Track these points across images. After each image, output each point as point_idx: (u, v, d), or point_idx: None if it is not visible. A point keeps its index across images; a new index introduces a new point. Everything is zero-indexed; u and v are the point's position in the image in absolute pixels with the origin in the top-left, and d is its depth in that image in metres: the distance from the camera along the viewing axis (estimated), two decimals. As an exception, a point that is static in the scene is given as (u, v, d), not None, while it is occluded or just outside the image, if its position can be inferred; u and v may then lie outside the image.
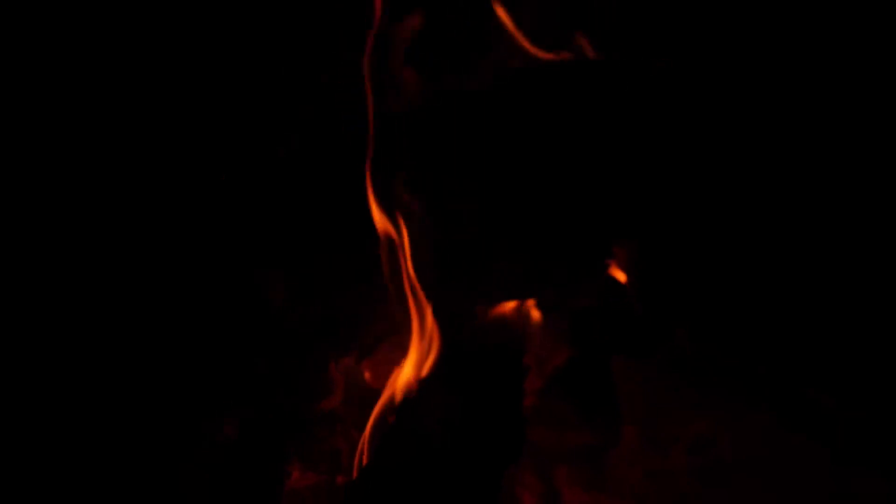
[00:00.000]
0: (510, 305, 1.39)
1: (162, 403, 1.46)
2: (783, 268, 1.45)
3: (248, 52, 1.54)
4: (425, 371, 1.31)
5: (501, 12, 1.40)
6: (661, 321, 1.47)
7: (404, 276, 1.35)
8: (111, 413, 1.44)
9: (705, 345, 1.46)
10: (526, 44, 1.41)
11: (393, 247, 1.36)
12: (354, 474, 1.37)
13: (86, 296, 1.50)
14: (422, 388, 1.28)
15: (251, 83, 1.55)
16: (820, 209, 1.44)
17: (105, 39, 1.51)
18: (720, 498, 1.36)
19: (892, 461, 1.33)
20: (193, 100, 1.54)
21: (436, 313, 1.33)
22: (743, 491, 1.36)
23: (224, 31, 1.54)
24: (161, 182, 1.54)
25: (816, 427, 1.39)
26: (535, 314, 1.40)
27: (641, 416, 1.44)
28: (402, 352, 1.38)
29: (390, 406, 1.35)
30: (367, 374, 1.54)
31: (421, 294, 1.34)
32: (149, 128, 1.54)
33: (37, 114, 1.51)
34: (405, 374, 1.35)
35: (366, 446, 1.35)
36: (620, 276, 1.43)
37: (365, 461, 1.33)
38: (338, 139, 1.48)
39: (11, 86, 1.49)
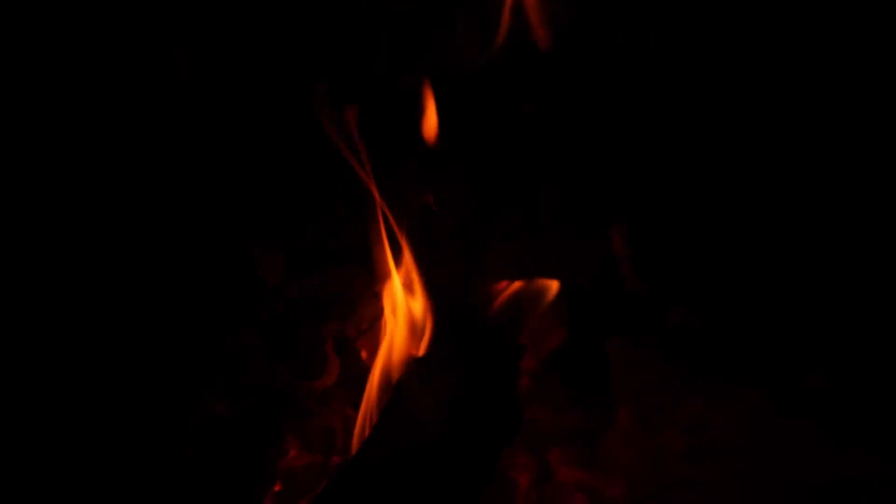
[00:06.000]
0: (507, 285, 1.39)
1: (154, 382, 1.47)
2: (777, 247, 1.46)
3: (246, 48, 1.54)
4: (421, 350, 1.31)
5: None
6: (656, 301, 1.47)
7: (392, 251, 1.34)
8: (102, 393, 1.45)
9: (701, 326, 1.47)
10: (524, 28, 1.39)
11: (387, 225, 1.36)
12: (350, 453, 1.37)
13: (77, 274, 1.49)
14: (417, 367, 1.28)
15: (252, 77, 1.55)
16: (812, 192, 1.44)
17: (104, 37, 1.51)
18: (714, 479, 1.37)
19: (889, 442, 1.34)
20: (197, 90, 1.54)
21: (431, 292, 1.32)
22: (737, 472, 1.37)
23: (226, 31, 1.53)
24: (159, 162, 1.54)
25: (811, 408, 1.40)
26: (532, 294, 1.39)
27: (636, 397, 1.45)
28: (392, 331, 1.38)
29: (385, 386, 1.35)
30: (363, 353, 1.54)
31: (415, 273, 1.34)
32: (148, 115, 1.53)
33: (32, 101, 1.50)
34: (399, 353, 1.35)
35: (365, 426, 1.35)
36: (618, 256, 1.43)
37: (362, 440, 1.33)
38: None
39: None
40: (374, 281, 1.43)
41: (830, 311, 1.44)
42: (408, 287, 1.35)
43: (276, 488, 1.42)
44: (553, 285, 1.35)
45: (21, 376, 1.43)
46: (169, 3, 1.52)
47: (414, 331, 1.34)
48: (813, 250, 1.45)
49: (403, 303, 1.35)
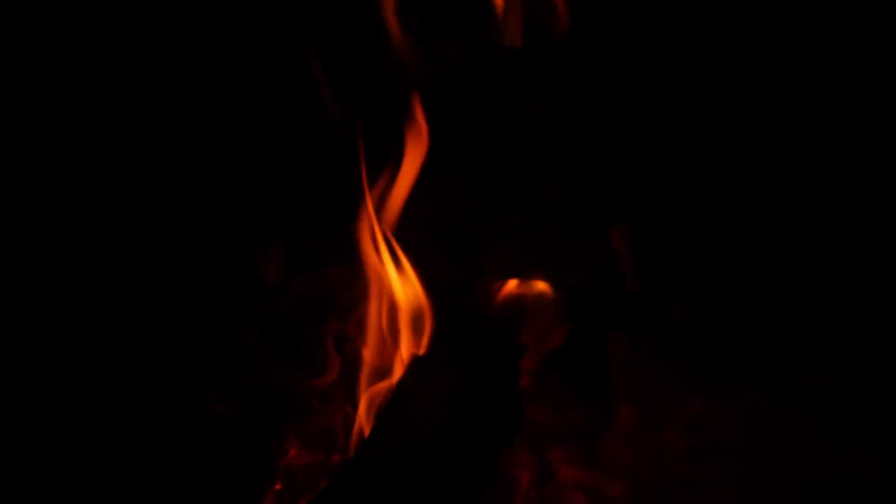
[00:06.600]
0: (508, 284, 1.39)
1: (154, 382, 1.47)
2: (777, 247, 1.46)
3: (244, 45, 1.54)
4: (422, 349, 1.31)
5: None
6: (656, 300, 1.47)
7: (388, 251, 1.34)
8: (102, 393, 1.45)
9: (701, 326, 1.47)
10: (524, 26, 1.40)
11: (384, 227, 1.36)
12: (350, 452, 1.37)
13: (78, 275, 1.49)
14: (418, 365, 1.28)
15: (252, 77, 1.55)
16: (812, 192, 1.44)
17: (105, 37, 1.51)
18: (714, 479, 1.37)
19: (889, 442, 1.34)
20: (197, 90, 1.54)
21: (432, 291, 1.32)
22: (737, 472, 1.37)
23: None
24: (159, 162, 1.54)
25: (811, 408, 1.40)
26: (533, 293, 1.40)
27: (636, 396, 1.45)
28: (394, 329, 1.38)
29: (385, 384, 1.35)
30: (364, 351, 1.54)
31: (414, 272, 1.34)
32: (149, 115, 1.53)
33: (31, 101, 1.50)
34: (399, 351, 1.36)
35: (364, 424, 1.36)
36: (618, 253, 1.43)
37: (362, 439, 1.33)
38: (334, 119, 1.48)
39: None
40: (373, 280, 1.43)
41: (830, 311, 1.44)
42: (407, 286, 1.35)
43: (277, 487, 1.42)
44: (548, 292, 1.36)
45: (21, 376, 1.43)
46: (169, 3, 1.52)
47: (414, 331, 1.34)
48: (812, 250, 1.45)
49: (402, 302, 1.35)
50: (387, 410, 1.25)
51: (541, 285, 1.39)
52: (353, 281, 1.53)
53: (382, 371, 1.37)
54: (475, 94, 1.37)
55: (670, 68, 1.42)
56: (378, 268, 1.34)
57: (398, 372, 1.33)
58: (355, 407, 1.41)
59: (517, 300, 1.37)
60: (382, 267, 1.34)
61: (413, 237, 1.35)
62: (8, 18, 1.48)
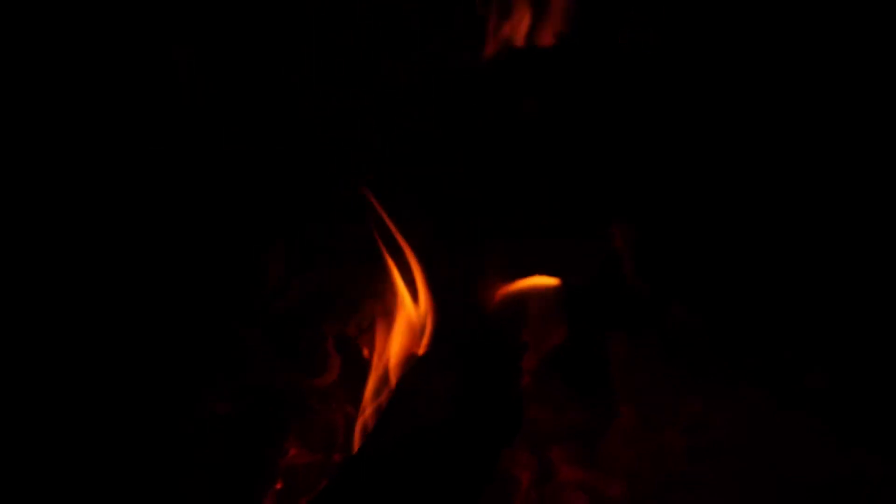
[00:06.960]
0: (508, 284, 1.39)
1: (154, 382, 1.47)
2: (777, 247, 1.46)
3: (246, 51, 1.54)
4: (422, 349, 1.31)
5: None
6: (656, 300, 1.47)
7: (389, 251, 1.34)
8: (102, 393, 1.45)
9: (701, 326, 1.47)
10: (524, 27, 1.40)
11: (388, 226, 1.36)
12: (351, 452, 1.37)
13: (79, 275, 1.49)
14: (418, 365, 1.28)
15: (252, 77, 1.55)
16: (812, 192, 1.44)
17: (105, 37, 1.51)
18: (714, 479, 1.37)
19: (889, 442, 1.34)
20: (197, 90, 1.54)
21: (432, 291, 1.32)
22: (737, 472, 1.37)
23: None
24: (159, 162, 1.54)
25: (811, 408, 1.40)
26: (534, 289, 1.39)
27: (636, 396, 1.45)
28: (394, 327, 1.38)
29: (385, 384, 1.35)
30: (364, 351, 1.54)
31: (417, 270, 1.34)
32: (149, 115, 1.53)
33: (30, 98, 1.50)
34: (400, 351, 1.36)
35: (364, 424, 1.36)
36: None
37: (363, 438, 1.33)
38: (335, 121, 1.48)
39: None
40: (374, 280, 1.43)
41: (830, 311, 1.44)
42: (408, 287, 1.35)
43: (277, 487, 1.42)
44: (554, 284, 1.36)
45: (21, 376, 1.43)
46: (169, 3, 1.53)
47: (414, 331, 1.34)
48: (812, 250, 1.45)
49: (403, 302, 1.36)
50: (387, 410, 1.25)
51: (544, 278, 1.38)
52: (353, 281, 1.53)
53: (384, 371, 1.37)
54: (475, 94, 1.37)
55: (670, 68, 1.42)
56: (387, 268, 1.34)
57: (398, 372, 1.33)
58: (356, 406, 1.41)
59: (517, 300, 1.37)
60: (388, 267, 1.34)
61: (413, 237, 1.35)
62: (8, 18, 1.48)
